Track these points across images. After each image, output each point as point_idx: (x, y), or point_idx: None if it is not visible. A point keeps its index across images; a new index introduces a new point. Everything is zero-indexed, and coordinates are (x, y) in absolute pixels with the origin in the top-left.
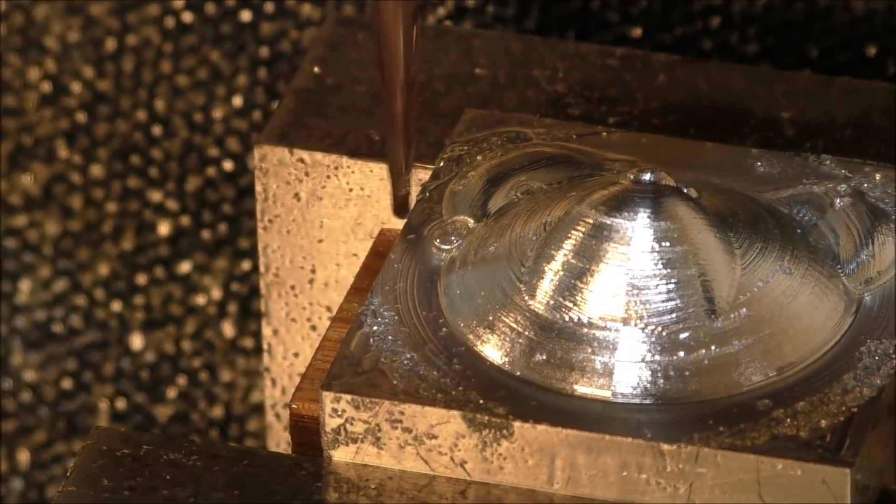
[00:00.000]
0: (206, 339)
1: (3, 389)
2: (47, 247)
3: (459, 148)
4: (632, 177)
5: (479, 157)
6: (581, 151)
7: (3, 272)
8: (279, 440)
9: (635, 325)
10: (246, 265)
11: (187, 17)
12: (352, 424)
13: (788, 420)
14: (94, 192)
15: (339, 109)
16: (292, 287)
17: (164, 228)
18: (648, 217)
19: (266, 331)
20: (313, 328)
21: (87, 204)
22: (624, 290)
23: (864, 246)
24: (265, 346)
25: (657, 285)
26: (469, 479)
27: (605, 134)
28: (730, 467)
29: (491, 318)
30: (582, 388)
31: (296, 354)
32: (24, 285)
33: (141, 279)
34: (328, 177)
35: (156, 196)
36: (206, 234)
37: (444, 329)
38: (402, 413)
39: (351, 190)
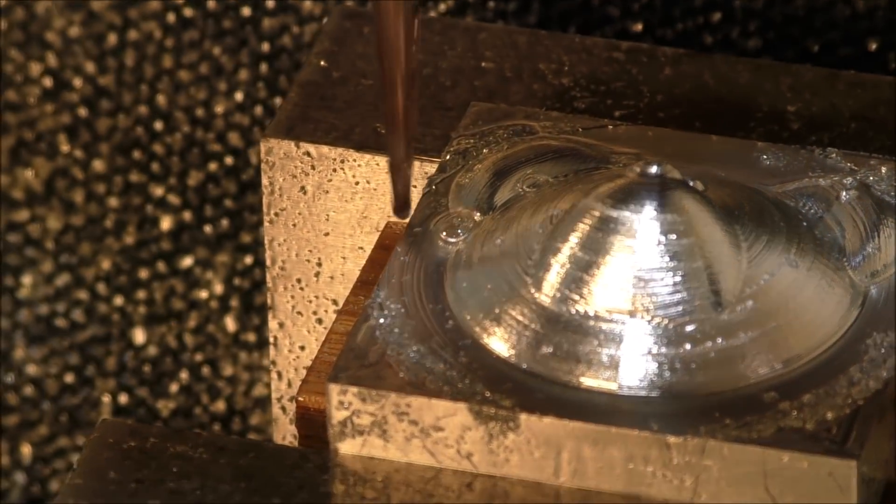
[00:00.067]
0: (209, 333)
1: (6, 384)
2: (49, 241)
3: (465, 141)
4: (638, 170)
5: (485, 151)
6: (587, 144)
7: (5, 266)
8: (285, 433)
9: (641, 317)
10: (248, 260)
11: (188, 11)
12: (358, 417)
13: (794, 412)
14: (95, 187)
15: (346, 103)
16: (298, 280)
17: (166, 223)
18: (655, 210)
19: (272, 324)
20: (319, 321)
21: (88, 199)
22: (630, 283)
23: (870, 239)
24: (271, 340)
25: (663, 278)
26: (475, 471)
27: (611, 127)
28: (736, 460)
29: (497, 311)
30: (588, 381)
31: (302, 347)
32: (27, 280)
33: (143, 274)
34: (334, 170)
35: (158, 191)
36: (208, 229)
37: (451, 322)
38: (408, 405)
39: (357, 183)
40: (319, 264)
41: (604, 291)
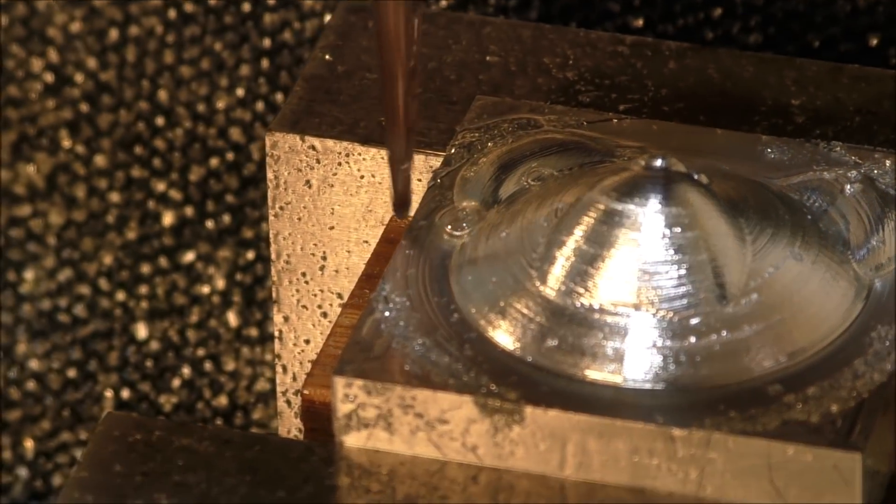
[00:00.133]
0: (211, 328)
1: (9, 379)
2: (51, 237)
3: (470, 135)
4: (643, 163)
5: (490, 144)
6: (592, 138)
7: (7, 262)
8: (290, 427)
9: (646, 310)
10: (250, 255)
11: (189, 7)
12: (363, 410)
13: (799, 405)
14: (97, 183)
15: (351, 97)
16: (303, 274)
17: (167, 218)
18: (659, 203)
19: (277, 318)
20: (324, 315)
21: (90, 194)
22: (635, 276)
23: (875, 232)
24: (276, 334)
25: (668, 271)
26: (480, 464)
27: (615, 121)
28: (741, 452)
29: (502, 304)
30: (593, 374)
31: (307, 341)
32: (29, 275)
33: (145, 269)
34: (339, 164)
35: (159, 186)
36: (209, 225)
37: (456, 315)
38: (413, 398)
39: (362, 177)
40: (324, 258)
41: (609, 284)
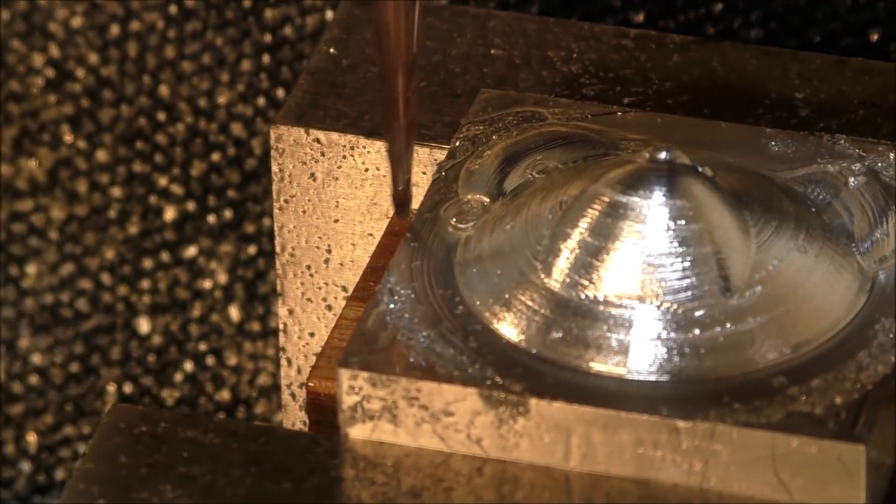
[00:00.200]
0: (213, 323)
1: (11, 373)
2: (53, 231)
3: (475, 127)
4: (647, 155)
5: (494, 137)
6: (596, 131)
7: (9, 256)
8: (295, 420)
9: (651, 302)
10: (252, 249)
11: (191, 2)
12: (368, 402)
13: (803, 397)
14: (99, 177)
15: (355, 90)
16: (308, 267)
17: (169, 213)
18: (664, 195)
19: (281, 311)
20: (329, 308)
21: (92, 189)
22: (639, 268)
23: (879, 224)
24: (280, 327)
25: (672, 263)
26: (485, 456)
27: (620, 114)
28: (745, 444)
29: (507, 296)
30: (598, 366)
31: (311, 334)
32: (31, 269)
33: (147, 264)
34: (344, 157)
35: (161, 181)
36: (211, 219)
37: (461, 307)
38: (418, 390)
39: (367, 170)
40: (329, 251)
41: (613, 277)
